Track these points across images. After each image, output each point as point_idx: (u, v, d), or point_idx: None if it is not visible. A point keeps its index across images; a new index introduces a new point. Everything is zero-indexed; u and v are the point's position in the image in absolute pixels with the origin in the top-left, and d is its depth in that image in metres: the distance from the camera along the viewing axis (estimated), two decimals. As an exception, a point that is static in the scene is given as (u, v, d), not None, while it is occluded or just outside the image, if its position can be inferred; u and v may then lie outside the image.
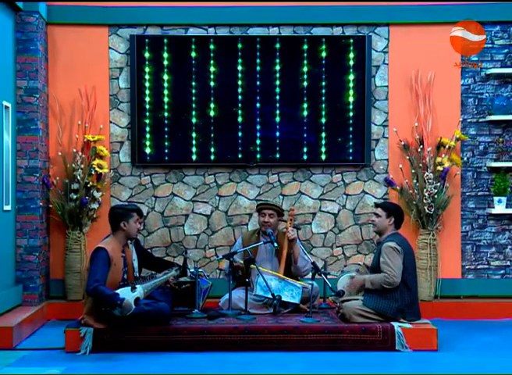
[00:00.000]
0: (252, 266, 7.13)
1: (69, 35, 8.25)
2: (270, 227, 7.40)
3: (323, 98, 8.26)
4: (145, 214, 8.20)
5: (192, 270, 7.10)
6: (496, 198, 8.26)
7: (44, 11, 8.03)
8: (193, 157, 8.27)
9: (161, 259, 7.54)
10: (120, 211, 6.82)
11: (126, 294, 6.36)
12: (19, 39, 7.84)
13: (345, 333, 6.55)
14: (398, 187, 8.28)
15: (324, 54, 8.25)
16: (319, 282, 7.26)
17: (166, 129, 8.25)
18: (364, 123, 8.26)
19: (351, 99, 8.27)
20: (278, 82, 8.25)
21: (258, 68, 8.25)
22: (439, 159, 8.13)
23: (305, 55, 8.24)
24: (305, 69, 8.25)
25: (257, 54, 8.25)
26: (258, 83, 8.25)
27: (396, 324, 6.59)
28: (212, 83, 8.24)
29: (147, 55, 8.23)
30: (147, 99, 8.24)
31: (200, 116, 8.25)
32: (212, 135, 8.25)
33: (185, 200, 8.36)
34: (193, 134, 8.25)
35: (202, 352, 6.44)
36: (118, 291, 6.35)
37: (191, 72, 8.24)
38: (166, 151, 8.26)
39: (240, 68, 8.25)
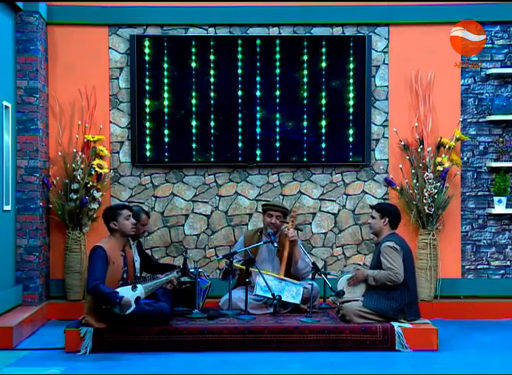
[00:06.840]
0: (252, 269, 7.12)
1: (69, 35, 8.25)
2: (275, 229, 7.40)
3: (323, 98, 8.26)
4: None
5: (192, 270, 7.10)
6: (496, 198, 8.26)
7: (44, 11, 8.03)
8: (193, 157, 8.27)
9: (160, 263, 7.54)
10: (108, 212, 6.78)
11: (127, 292, 6.37)
12: (19, 39, 7.84)
13: (345, 333, 6.54)
14: (398, 187, 8.27)
15: (324, 54, 8.25)
16: (319, 282, 7.26)
17: (166, 129, 8.25)
18: (364, 123, 8.26)
19: (351, 99, 8.27)
20: (278, 82, 8.25)
21: (258, 68, 8.25)
22: (439, 159, 8.13)
23: (305, 55, 8.24)
24: (305, 69, 8.25)
25: (257, 54, 8.25)
26: (258, 83, 8.25)
27: (396, 324, 6.59)
28: (212, 83, 8.24)
29: (147, 55, 8.24)
30: (147, 99, 8.24)
31: (200, 116, 8.25)
32: (212, 135, 8.25)
33: (185, 200, 8.36)
34: (193, 134, 8.25)
35: (202, 352, 6.44)
36: (118, 290, 6.37)
37: (191, 72, 8.25)
38: (166, 151, 8.26)
39: (239, 68, 8.25)
